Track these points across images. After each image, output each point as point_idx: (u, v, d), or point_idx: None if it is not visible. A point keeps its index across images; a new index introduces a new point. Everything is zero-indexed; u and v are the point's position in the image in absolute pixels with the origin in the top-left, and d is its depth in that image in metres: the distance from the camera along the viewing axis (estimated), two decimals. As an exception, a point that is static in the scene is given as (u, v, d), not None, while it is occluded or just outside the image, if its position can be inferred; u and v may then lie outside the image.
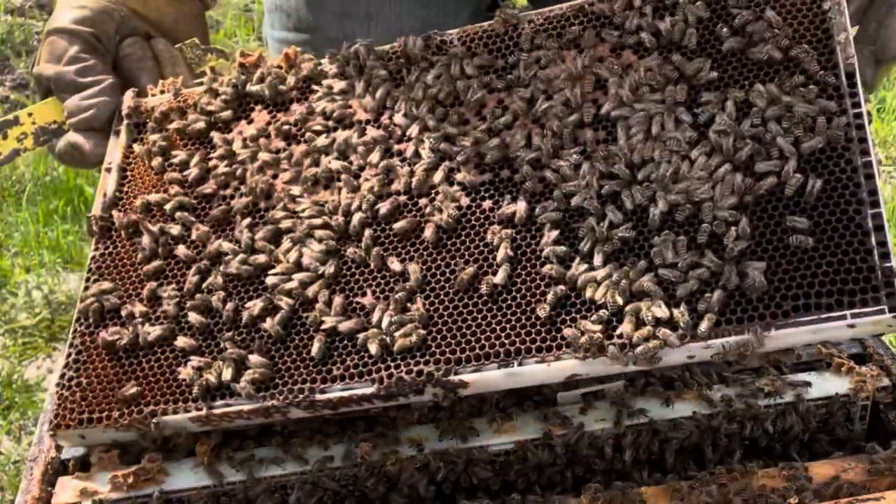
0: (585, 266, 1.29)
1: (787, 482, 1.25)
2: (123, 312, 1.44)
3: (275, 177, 1.49)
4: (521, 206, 1.35)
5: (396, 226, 1.39)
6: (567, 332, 1.26)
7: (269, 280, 1.40)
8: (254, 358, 1.35)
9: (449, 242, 1.37)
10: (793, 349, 1.41)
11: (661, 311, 1.24)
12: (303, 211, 1.44)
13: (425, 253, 1.37)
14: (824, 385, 1.37)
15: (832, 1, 1.33)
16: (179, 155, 1.54)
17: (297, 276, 1.39)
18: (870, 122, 1.27)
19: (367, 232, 1.40)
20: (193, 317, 1.40)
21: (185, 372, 1.36)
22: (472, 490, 1.36)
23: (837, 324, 1.19)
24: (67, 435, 1.38)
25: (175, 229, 1.47)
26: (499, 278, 1.32)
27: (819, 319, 1.19)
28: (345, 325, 1.34)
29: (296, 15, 1.91)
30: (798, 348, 1.43)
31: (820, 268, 1.21)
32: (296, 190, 1.46)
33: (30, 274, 3.47)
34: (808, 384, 1.36)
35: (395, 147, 1.46)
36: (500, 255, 1.33)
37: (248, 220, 1.46)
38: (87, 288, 1.47)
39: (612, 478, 1.34)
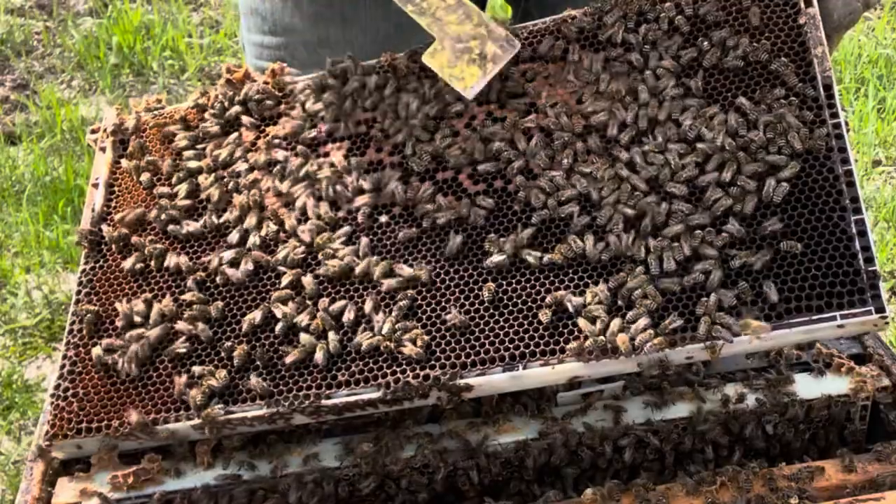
0: (585, 272, 1.32)
1: (788, 482, 1.25)
2: (118, 324, 1.44)
3: (267, 189, 1.49)
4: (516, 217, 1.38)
5: (395, 237, 1.40)
6: (572, 344, 1.28)
7: (275, 295, 1.40)
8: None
9: (448, 251, 1.39)
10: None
11: (656, 315, 1.27)
12: (297, 222, 1.45)
13: (423, 261, 1.38)
14: (824, 385, 1.37)
15: (807, 16, 1.37)
16: (167, 170, 1.54)
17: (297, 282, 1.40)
18: (848, 130, 1.31)
19: (364, 241, 1.41)
20: (200, 327, 1.40)
21: (188, 387, 1.36)
22: (471, 490, 1.36)
23: (828, 324, 1.24)
24: (64, 445, 1.38)
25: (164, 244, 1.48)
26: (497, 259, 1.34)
27: (811, 321, 1.24)
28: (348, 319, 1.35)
29: (271, 18, 1.91)
30: (800, 349, 1.44)
31: (809, 272, 1.25)
32: (289, 200, 1.47)
33: (30, 274, 3.47)
34: (804, 384, 1.37)
35: (388, 160, 1.47)
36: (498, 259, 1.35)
37: (239, 235, 1.47)
38: (78, 302, 1.47)
39: (613, 478, 1.34)
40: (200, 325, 1.39)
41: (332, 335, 1.35)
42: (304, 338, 1.36)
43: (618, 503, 1.25)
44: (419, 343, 1.31)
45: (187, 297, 1.42)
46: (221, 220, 1.49)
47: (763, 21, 1.40)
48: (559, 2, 1.96)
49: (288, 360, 1.35)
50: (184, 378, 1.37)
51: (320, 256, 1.42)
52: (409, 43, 1.90)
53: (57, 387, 1.41)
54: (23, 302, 3.36)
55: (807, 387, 1.37)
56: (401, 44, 1.90)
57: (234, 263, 1.44)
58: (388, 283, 1.37)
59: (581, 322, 1.29)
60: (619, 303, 1.29)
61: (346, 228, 1.43)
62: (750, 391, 1.36)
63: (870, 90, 3.91)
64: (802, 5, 1.38)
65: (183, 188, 1.52)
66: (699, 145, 1.35)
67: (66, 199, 3.66)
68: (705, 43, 1.40)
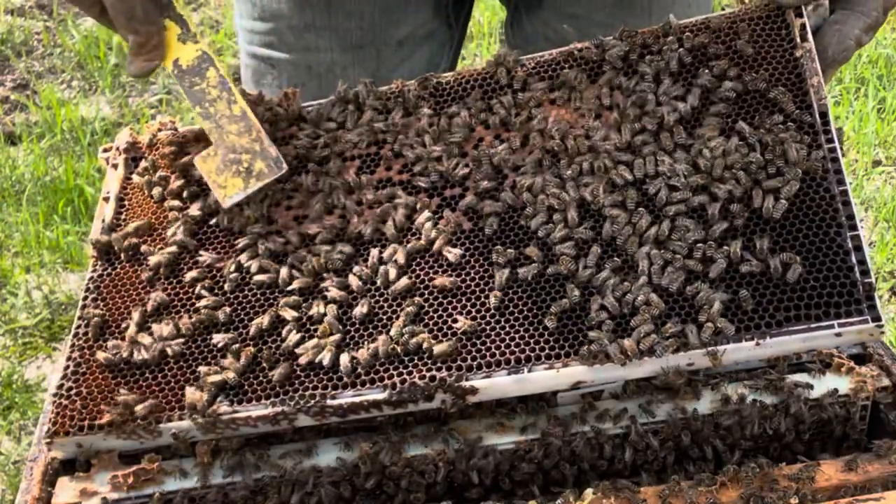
0: (589, 280, 1.35)
1: (788, 482, 1.25)
2: (123, 325, 1.45)
3: (276, 204, 1.52)
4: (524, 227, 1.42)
5: (408, 246, 1.43)
6: (578, 348, 1.30)
7: (283, 300, 1.42)
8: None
9: (455, 262, 1.41)
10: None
11: (658, 321, 1.30)
12: (306, 233, 1.48)
13: (431, 271, 1.41)
14: (824, 385, 1.38)
15: (803, 49, 1.44)
16: (179, 184, 1.57)
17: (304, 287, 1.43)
18: (843, 154, 1.39)
19: (373, 252, 1.43)
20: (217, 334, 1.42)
21: (193, 392, 1.37)
22: (470, 490, 1.37)
23: (826, 332, 1.28)
24: (65, 443, 1.38)
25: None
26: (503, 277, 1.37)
27: (809, 329, 1.28)
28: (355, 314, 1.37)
29: (260, 4, 1.92)
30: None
31: (808, 283, 1.30)
32: (298, 214, 1.50)
33: (30, 274, 3.47)
34: (810, 386, 1.37)
35: (397, 178, 1.51)
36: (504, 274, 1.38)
37: (248, 243, 1.49)
38: (84, 307, 1.48)
39: (613, 477, 1.34)
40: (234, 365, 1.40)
41: (337, 339, 1.37)
42: (311, 341, 1.37)
43: (617, 503, 1.25)
44: (426, 346, 1.33)
45: (201, 303, 1.44)
46: (230, 230, 1.51)
47: (761, 53, 1.47)
48: (547, 4, 1.97)
49: (302, 360, 1.36)
50: (189, 379, 1.38)
51: (328, 266, 1.44)
52: (395, 28, 1.91)
53: (60, 386, 1.41)
54: (23, 302, 3.37)
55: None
56: (386, 28, 1.90)
57: (247, 269, 1.46)
58: (394, 290, 1.39)
59: (585, 329, 1.31)
60: (624, 310, 1.31)
61: (354, 239, 1.46)
62: (750, 391, 1.37)
63: (870, 90, 3.91)
64: (798, 40, 1.45)
65: (193, 201, 1.55)
66: (700, 162, 1.39)
67: (66, 199, 3.67)
68: (706, 72, 1.46)
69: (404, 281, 1.40)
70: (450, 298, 1.38)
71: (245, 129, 1.49)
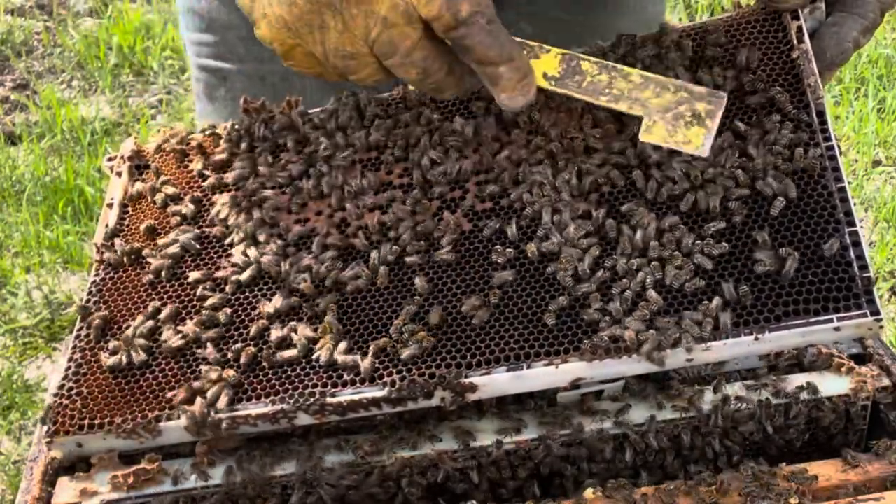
0: (588, 279, 1.34)
1: (788, 482, 1.25)
2: (125, 327, 1.46)
3: (279, 207, 1.52)
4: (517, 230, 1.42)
5: (408, 260, 1.42)
6: (583, 344, 1.30)
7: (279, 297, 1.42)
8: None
9: (455, 263, 1.41)
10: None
11: (657, 315, 1.29)
12: (307, 235, 1.49)
13: (431, 272, 1.41)
14: (824, 385, 1.38)
15: (800, 50, 1.45)
16: (181, 190, 1.58)
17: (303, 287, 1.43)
18: (840, 153, 1.40)
19: (374, 254, 1.43)
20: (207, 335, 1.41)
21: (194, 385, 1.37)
22: (471, 490, 1.37)
23: (824, 327, 1.27)
24: (65, 442, 1.38)
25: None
26: (508, 274, 1.37)
27: (808, 323, 1.28)
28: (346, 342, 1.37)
29: (208, 17, 1.88)
30: (801, 350, 1.46)
31: (807, 278, 1.30)
32: (300, 217, 1.51)
33: (30, 274, 3.48)
34: (812, 387, 1.37)
35: (397, 181, 1.51)
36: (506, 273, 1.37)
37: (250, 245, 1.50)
38: (86, 308, 1.49)
39: (614, 477, 1.34)
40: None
41: (337, 337, 1.37)
42: (309, 336, 1.37)
43: (616, 502, 1.25)
44: (425, 344, 1.33)
45: (207, 302, 1.45)
46: (232, 234, 1.52)
47: (758, 56, 1.47)
48: (507, 5, 1.96)
49: (286, 355, 1.36)
50: (190, 378, 1.38)
51: (328, 268, 1.44)
52: None
53: (60, 386, 1.41)
54: (23, 302, 3.37)
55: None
56: None
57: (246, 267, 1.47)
58: (392, 292, 1.39)
59: (585, 327, 1.31)
60: (622, 307, 1.31)
61: (357, 242, 1.46)
62: (751, 391, 1.37)
63: (870, 90, 3.92)
64: (795, 41, 1.46)
65: (196, 206, 1.56)
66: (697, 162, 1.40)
67: (66, 199, 3.67)
68: (705, 76, 1.47)
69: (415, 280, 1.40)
70: (449, 297, 1.38)
71: (660, 88, 1.42)
